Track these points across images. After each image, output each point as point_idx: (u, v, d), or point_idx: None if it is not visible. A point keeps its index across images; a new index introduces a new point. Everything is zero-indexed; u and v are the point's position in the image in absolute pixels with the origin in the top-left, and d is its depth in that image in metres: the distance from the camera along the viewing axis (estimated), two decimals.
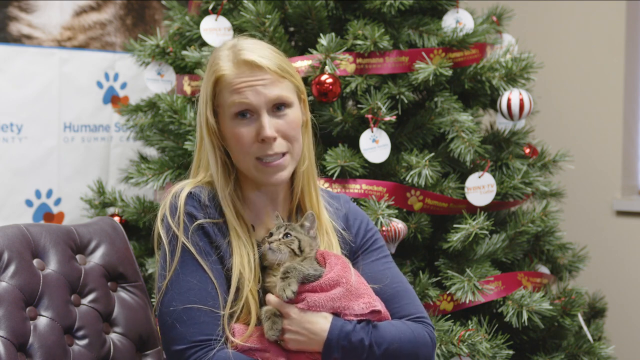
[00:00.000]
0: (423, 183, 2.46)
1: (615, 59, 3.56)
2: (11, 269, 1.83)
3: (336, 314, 1.72)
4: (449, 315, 2.47)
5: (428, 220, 2.54)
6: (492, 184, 2.56)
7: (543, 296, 2.51)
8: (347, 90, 2.52)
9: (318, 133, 1.94)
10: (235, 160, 1.81)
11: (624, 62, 3.55)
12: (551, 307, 2.49)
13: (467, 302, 2.44)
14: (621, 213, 3.58)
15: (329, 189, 2.37)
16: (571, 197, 3.21)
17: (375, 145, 2.48)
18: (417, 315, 1.82)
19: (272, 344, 1.72)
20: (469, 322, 2.47)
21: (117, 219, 2.79)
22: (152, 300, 2.11)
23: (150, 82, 2.81)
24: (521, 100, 2.60)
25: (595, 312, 3.03)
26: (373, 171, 2.55)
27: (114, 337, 1.97)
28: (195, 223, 1.76)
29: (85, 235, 2.01)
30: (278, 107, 1.77)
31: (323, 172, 2.42)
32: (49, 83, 3.19)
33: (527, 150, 2.79)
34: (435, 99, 2.61)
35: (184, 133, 2.68)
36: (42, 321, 1.83)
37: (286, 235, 1.76)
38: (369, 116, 2.49)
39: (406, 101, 2.55)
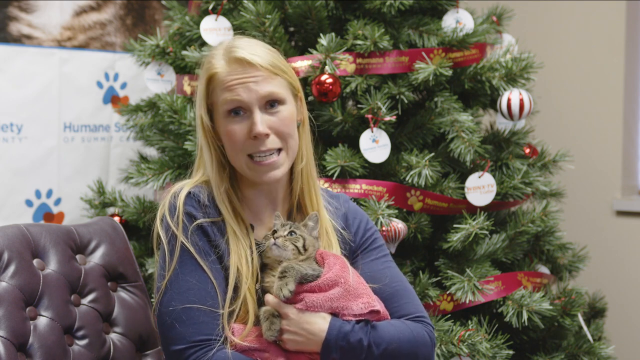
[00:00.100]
0: (423, 183, 2.46)
1: (615, 59, 3.56)
2: (11, 269, 1.83)
3: (335, 314, 1.72)
4: (449, 315, 2.47)
5: (428, 220, 2.54)
6: (492, 184, 2.56)
7: (543, 296, 2.51)
8: (347, 90, 2.52)
9: (316, 132, 1.94)
10: (230, 158, 1.81)
11: (624, 62, 3.55)
12: (551, 307, 2.49)
13: (467, 302, 2.44)
14: (621, 213, 3.58)
15: (329, 189, 2.37)
16: (571, 197, 3.21)
17: (375, 145, 2.48)
18: (416, 314, 1.82)
19: (272, 344, 1.72)
20: (469, 322, 2.47)
21: (117, 219, 2.79)
22: (152, 300, 2.12)
23: (150, 82, 2.81)
24: (521, 100, 2.60)
25: (595, 312, 3.03)
26: (373, 171, 2.55)
27: (114, 337, 1.97)
28: (195, 223, 1.76)
29: (85, 235, 2.01)
30: (271, 104, 1.77)
31: (323, 172, 2.42)
32: (49, 83, 3.19)
33: (527, 150, 2.79)
34: (435, 99, 2.61)
35: (184, 133, 2.68)
36: (42, 321, 1.83)
37: (291, 233, 1.76)
38: (369, 116, 2.49)
39: (406, 101, 2.55)
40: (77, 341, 1.89)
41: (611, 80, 3.57)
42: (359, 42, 2.52)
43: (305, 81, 2.50)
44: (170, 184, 2.68)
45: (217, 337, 1.70)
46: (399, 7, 2.58)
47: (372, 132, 2.48)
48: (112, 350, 1.95)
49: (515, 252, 2.67)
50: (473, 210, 2.56)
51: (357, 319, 1.72)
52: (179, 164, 2.72)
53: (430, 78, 2.51)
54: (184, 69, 2.80)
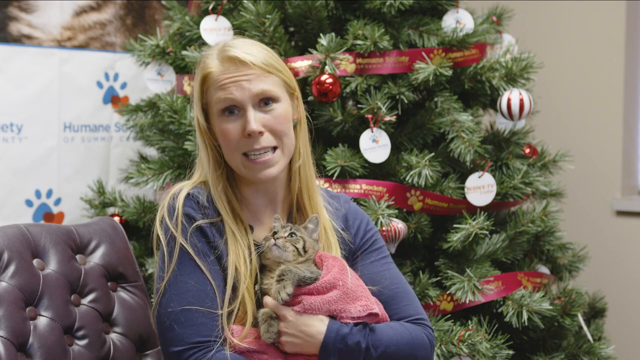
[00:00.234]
0: (423, 183, 2.46)
1: (615, 59, 3.56)
2: (11, 269, 1.83)
3: (333, 316, 1.72)
4: (449, 315, 2.47)
5: (428, 220, 2.54)
6: (492, 184, 2.56)
7: (543, 296, 2.51)
8: (347, 90, 2.52)
9: (313, 131, 1.93)
10: (226, 157, 1.82)
11: (624, 62, 3.55)
12: (551, 307, 2.49)
13: (467, 302, 2.44)
14: (621, 213, 3.58)
15: (329, 189, 2.37)
16: (571, 197, 3.21)
17: (375, 145, 2.48)
18: (416, 317, 1.82)
19: (270, 345, 1.72)
20: (469, 322, 2.47)
21: (117, 219, 2.79)
22: (152, 300, 2.12)
23: (150, 82, 2.81)
24: (521, 100, 2.60)
25: (595, 312, 3.03)
26: (373, 171, 2.55)
27: (114, 337, 1.97)
28: (194, 224, 1.76)
29: (85, 235, 2.01)
30: (265, 102, 1.78)
31: (323, 172, 2.42)
32: (49, 83, 3.19)
33: (527, 150, 2.79)
34: (435, 99, 2.61)
35: (184, 133, 2.68)
36: (42, 321, 1.83)
37: (292, 234, 1.76)
38: (369, 116, 2.49)
39: (406, 101, 2.55)
40: (77, 341, 1.89)
41: (611, 80, 3.57)
42: (359, 42, 2.52)
43: (305, 81, 2.50)
44: (170, 184, 2.68)
45: (215, 338, 1.70)
46: (399, 7, 2.58)
47: (372, 132, 2.48)
48: (112, 350, 1.95)
49: (515, 252, 2.67)
50: (473, 210, 2.56)
51: (355, 321, 1.72)
52: (179, 164, 2.72)
53: (430, 78, 2.51)
54: (184, 69, 2.80)
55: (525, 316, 2.45)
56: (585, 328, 2.69)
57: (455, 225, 2.50)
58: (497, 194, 2.60)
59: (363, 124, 2.53)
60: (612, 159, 3.59)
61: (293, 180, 1.87)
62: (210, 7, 2.70)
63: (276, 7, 2.58)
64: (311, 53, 2.53)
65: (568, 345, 2.67)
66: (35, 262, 1.89)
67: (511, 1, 3.12)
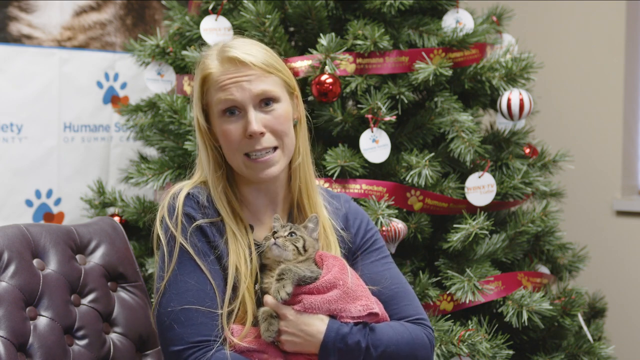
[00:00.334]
0: (423, 183, 2.46)
1: (615, 59, 3.56)
2: (11, 269, 1.83)
3: (333, 316, 1.72)
4: (449, 315, 2.47)
5: (428, 220, 2.54)
6: (492, 184, 2.56)
7: (543, 296, 2.51)
8: (347, 90, 2.52)
9: (313, 130, 1.94)
10: (227, 158, 1.82)
11: (624, 62, 3.55)
12: (551, 307, 2.49)
13: (467, 302, 2.44)
14: (621, 213, 3.58)
15: (330, 189, 2.37)
16: (571, 197, 3.21)
17: (375, 145, 2.48)
18: (416, 316, 1.82)
19: (270, 345, 1.72)
20: (469, 322, 2.47)
21: (117, 219, 2.79)
22: (152, 300, 2.12)
23: (150, 82, 2.81)
24: (521, 100, 2.60)
25: (595, 312, 3.03)
26: (373, 171, 2.55)
27: (114, 337, 1.97)
28: (194, 224, 1.76)
29: (85, 235, 2.01)
30: (265, 102, 1.77)
31: (323, 172, 2.42)
32: (49, 83, 3.19)
33: (527, 150, 2.79)
34: (435, 99, 2.61)
35: (184, 133, 2.68)
36: (42, 321, 1.83)
37: (292, 234, 1.76)
38: (369, 116, 2.49)
39: (406, 101, 2.55)
40: (77, 341, 1.89)
41: (611, 80, 3.57)
42: (359, 42, 2.52)
43: (305, 81, 2.50)
44: (170, 184, 2.68)
45: (215, 337, 1.70)
46: (399, 7, 2.58)
47: (372, 132, 2.48)
48: (112, 350, 1.95)
49: (515, 252, 2.67)
50: (473, 210, 2.56)
51: (355, 321, 1.72)
52: (179, 164, 2.72)
53: (430, 78, 2.51)
54: (184, 69, 2.80)
55: (525, 316, 2.45)
56: (585, 328, 2.69)
57: (455, 225, 2.50)
58: (497, 194, 2.60)
59: (363, 124, 2.53)
60: (612, 159, 3.59)
61: (293, 179, 1.87)
62: (210, 7, 2.70)
63: (276, 7, 2.58)
64: (311, 53, 2.53)
65: (568, 345, 2.67)
66: (35, 262, 1.88)
67: (511, 1, 3.12)
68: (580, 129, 3.64)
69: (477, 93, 2.75)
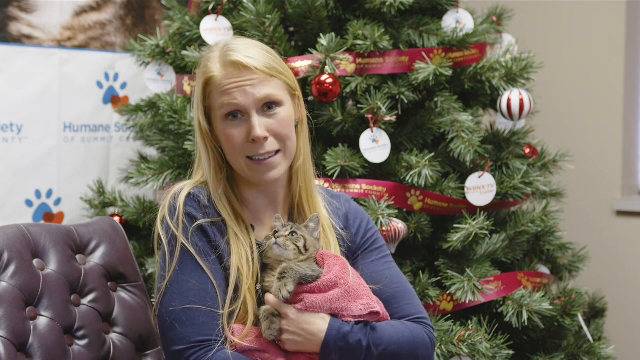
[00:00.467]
0: (423, 183, 2.46)
1: (615, 59, 3.56)
2: (11, 269, 1.83)
3: (334, 315, 1.72)
4: (449, 315, 2.47)
5: (428, 220, 2.54)
6: (492, 184, 2.56)
7: (543, 296, 2.51)
8: (347, 90, 2.52)
9: (314, 130, 1.94)
10: (229, 160, 1.81)
11: (624, 62, 3.55)
12: (551, 307, 2.49)
13: (467, 302, 2.44)
14: (621, 213, 3.58)
15: (330, 189, 2.37)
16: (571, 197, 3.21)
17: (375, 145, 2.48)
18: (416, 315, 1.82)
19: (271, 344, 1.72)
20: (469, 322, 2.47)
21: (117, 219, 2.79)
22: (152, 300, 2.12)
23: (150, 82, 2.81)
24: (521, 100, 2.60)
25: (595, 312, 3.03)
26: (373, 171, 2.55)
27: (114, 337, 1.97)
28: (195, 224, 1.76)
29: (85, 235, 2.01)
30: (268, 106, 1.77)
31: (323, 172, 2.42)
32: (49, 83, 3.19)
33: (527, 150, 2.79)
34: (435, 99, 2.61)
35: (184, 133, 2.68)
36: (42, 321, 1.83)
37: (293, 233, 1.76)
38: (369, 116, 2.49)
39: (406, 101, 2.55)
40: (77, 341, 1.89)
41: (611, 80, 3.57)
42: (359, 42, 2.52)
43: (305, 81, 2.50)
44: (170, 184, 2.68)
45: (217, 337, 1.70)
46: (399, 7, 2.58)
47: (372, 132, 2.48)
48: (112, 350, 1.95)
49: (515, 252, 2.67)
50: (473, 210, 2.56)
51: (356, 320, 1.72)
52: (179, 164, 2.72)
53: (430, 78, 2.51)
54: (184, 69, 2.80)
55: (525, 316, 2.45)
56: (585, 328, 2.69)
57: (455, 225, 2.50)
58: (497, 194, 2.60)
59: (363, 124, 2.53)
60: (612, 159, 3.59)
61: (294, 180, 1.87)
62: (210, 7, 2.69)
63: (276, 7, 2.58)
64: (311, 53, 2.53)
65: (568, 345, 2.67)
66: (35, 262, 1.88)
67: (511, 1, 3.12)
68: (580, 129, 3.64)
69: (477, 93, 2.75)
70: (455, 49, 2.61)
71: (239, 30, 2.59)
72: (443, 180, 2.58)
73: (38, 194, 3.18)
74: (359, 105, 2.57)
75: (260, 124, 1.76)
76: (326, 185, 2.43)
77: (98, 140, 3.35)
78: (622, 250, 3.57)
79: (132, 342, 1.99)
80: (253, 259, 1.77)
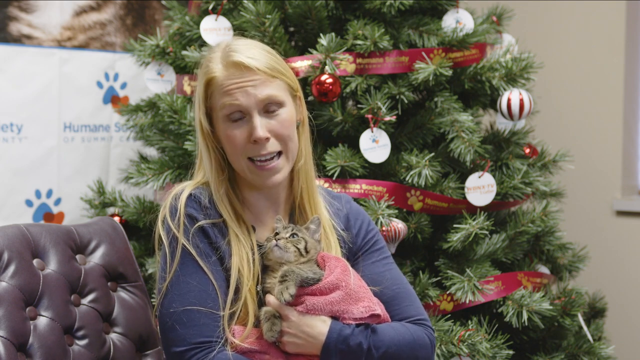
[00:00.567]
0: (423, 183, 2.46)
1: (615, 59, 3.56)
2: (11, 269, 1.83)
3: (335, 317, 1.72)
4: (449, 315, 2.47)
5: (428, 220, 2.54)
6: (492, 184, 2.56)
7: (543, 296, 2.51)
8: (347, 90, 2.52)
9: (315, 131, 1.94)
10: (231, 161, 1.81)
11: (624, 62, 3.55)
12: (551, 307, 2.49)
13: (467, 302, 2.44)
14: (621, 213, 3.58)
15: (330, 189, 2.37)
16: (571, 197, 3.21)
17: (375, 145, 2.48)
18: (417, 317, 1.82)
19: (272, 346, 1.72)
20: (469, 322, 2.47)
21: (117, 219, 2.79)
22: (152, 300, 2.12)
23: (150, 82, 2.81)
24: (521, 100, 2.60)
25: (595, 312, 3.03)
26: (373, 171, 2.55)
27: (114, 337, 1.97)
28: (196, 225, 1.76)
29: (85, 235, 2.01)
30: (270, 107, 1.77)
31: (323, 172, 2.42)
32: (49, 83, 3.19)
33: (527, 150, 2.79)
34: (435, 99, 2.61)
35: (184, 133, 2.68)
36: (42, 321, 1.83)
37: (293, 235, 1.76)
38: (369, 116, 2.49)
39: (406, 101, 2.55)
40: (77, 341, 1.89)
41: (611, 80, 3.57)
42: (359, 42, 2.52)
43: (305, 81, 2.50)
44: (170, 184, 2.68)
45: (217, 338, 1.70)
46: (399, 7, 2.58)
47: (372, 132, 2.48)
48: (112, 350, 1.95)
49: (515, 252, 2.67)
50: (473, 210, 2.56)
51: (357, 322, 1.72)
52: (179, 164, 2.72)
53: (430, 78, 2.51)
54: (184, 69, 2.80)
55: (525, 316, 2.45)
56: (585, 328, 2.69)
57: (455, 225, 2.50)
58: (497, 194, 2.60)
59: (363, 124, 2.53)
60: (612, 159, 3.59)
61: (295, 181, 1.87)
62: (210, 7, 2.69)
63: (276, 7, 2.58)
64: (311, 53, 2.53)
65: (568, 345, 2.67)
66: (35, 262, 1.88)
67: (511, 1, 3.12)
68: (580, 129, 3.64)
69: (477, 93, 2.75)
70: (455, 49, 2.61)
71: (239, 30, 2.59)
72: (443, 180, 2.58)
73: (38, 194, 3.18)
74: (359, 105, 2.57)
75: (261, 125, 1.76)
76: (326, 185, 2.43)
77: (98, 140, 3.35)
78: (622, 250, 3.57)
79: (132, 342, 1.99)
80: (254, 260, 1.77)
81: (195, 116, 1.84)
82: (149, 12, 3.50)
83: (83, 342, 1.89)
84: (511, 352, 2.45)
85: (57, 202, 3.23)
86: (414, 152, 2.54)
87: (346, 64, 2.52)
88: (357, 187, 2.48)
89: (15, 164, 3.11)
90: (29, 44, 3.15)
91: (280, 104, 1.78)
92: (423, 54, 2.56)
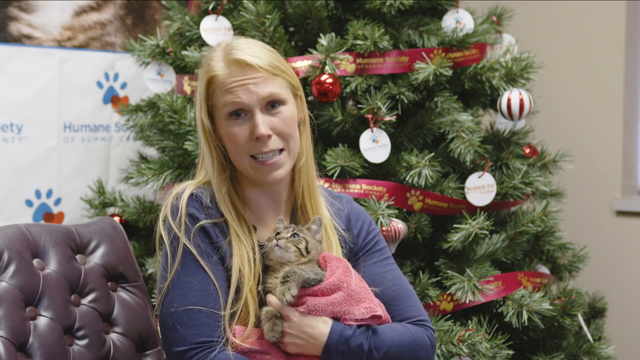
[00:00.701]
0: (423, 183, 2.46)
1: (615, 59, 3.56)
2: (11, 269, 1.83)
3: (336, 318, 1.72)
4: (449, 315, 2.47)
5: (428, 220, 2.54)
6: (492, 184, 2.56)
7: (543, 296, 2.51)
8: (347, 90, 2.52)
9: (316, 130, 1.94)
10: (233, 160, 1.81)
11: (624, 62, 3.55)
12: (551, 307, 2.49)
13: (467, 302, 2.44)
14: (621, 213, 3.58)
15: (331, 189, 2.37)
16: (571, 197, 3.21)
17: (375, 145, 2.48)
18: (418, 318, 1.82)
19: (273, 346, 1.72)
20: (469, 322, 2.47)
21: (117, 219, 2.79)
22: (152, 300, 2.12)
23: (150, 82, 2.81)
24: (521, 100, 2.60)
25: (595, 312, 3.03)
26: (373, 171, 2.55)
27: (114, 337, 1.97)
28: (197, 225, 1.76)
29: (85, 235, 2.01)
30: (272, 104, 1.77)
31: (323, 172, 2.42)
32: (49, 83, 3.19)
33: (527, 150, 2.79)
34: (435, 99, 2.61)
35: (184, 133, 2.68)
36: (42, 321, 1.83)
37: (294, 235, 1.76)
38: (369, 116, 2.49)
39: (406, 101, 2.55)
40: (77, 341, 1.89)
41: (611, 80, 3.57)
42: (359, 42, 2.52)
43: (305, 81, 2.50)
44: (170, 184, 2.68)
45: (218, 338, 1.70)
46: (399, 7, 2.58)
47: (372, 132, 2.48)
48: (112, 350, 1.94)
49: (515, 252, 2.67)
50: (473, 210, 2.56)
51: (358, 323, 1.72)
52: (179, 164, 2.72)
53: (430, 78, 2.51)
54: (184, 69, 2.80)
55: (525, 316, 2.45)
56: (585, 328, 2.69)
57: (455, 225, 2.50)
58: (497, 194, 2.60)
59: (363, 124, 2.53)
60: (612, 159, 3.59)
61: (296, 180, 1.87)
62: (210, 7, 2.70)
63: (276, 7, 2.58)
64: (311, 53, 2.53)
65: (568, 345, 2.67)
66: (35, 262, 1.88)
67: (511, 1, 3.12)
68: (580, 129, 3.64)
69: (477, 93, 2.75)
70: (455, 49, 2.61)
71: (239, 30, 2.59)
72: (443, 180, 2.58)
73: (38, 194, 3.18)
74: (359, 105, 2.57)
75: (264, 122, 1.76)
76: (326, 185, 2.43)
77: (98, 140, 3.35)
78: (622, 250, 3.57)
79: (132, 342, 1.99)
80: (255, 260, 1.77)
81: (196, 115, 1.84)
82: (149, 12, 3.50)
83: (83, 342, 1.89)
84: (511, 352, 2.45)
85: (57, 202, 3.23)
86: (414, 152, 2.54)
87: (346, 64, 2.52)
88: (357, 187, 2.48)
89: (15, 164, 3.11)
90: (29, 44, 3.15)
91: (282, 102, 1.78)
92: (423, 54, 2.56)
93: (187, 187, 1.81)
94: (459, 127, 2.55)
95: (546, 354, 2.64)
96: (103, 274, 1.99)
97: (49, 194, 3.21)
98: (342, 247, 1.86)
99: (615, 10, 3.55)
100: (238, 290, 1.74)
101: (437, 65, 2.52)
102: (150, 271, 2.66)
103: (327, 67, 2.46)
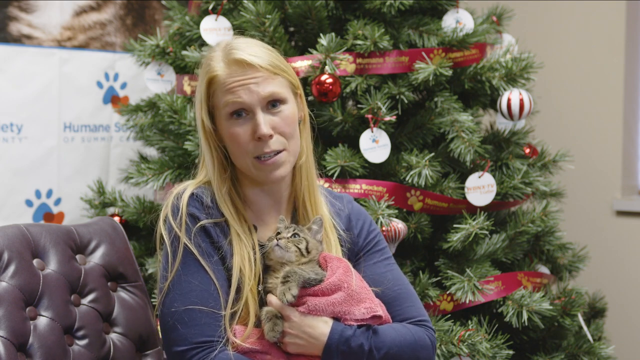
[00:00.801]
0: (423, 183, 2.46)
1: (615, 59, 3.56)
2: (11, 269, 1.83)
3: (337, 318, 1.72)
4: (449, 315, 2.47)
5: (428, 220, 2.54)
6: (492, 184, 2.56)
7: (543, 296, 2.51)
8: (347, 90, 2.52)
9: (316, 128, 1.94)
10: (234, 160, 1.81)
11: (624, 62, 3.55)
12: (551, 307, 2.49)
13: (467, 302, 2.44)
14: (621, 213, 3.58)
15: (331, 189, 2.37)
16: (571, 197, 3.21)
17: (375, 145, 2.48)
18: (418, 318, 1.82)
19: (273, 346, 1.72)
20: (469, 322, 2.47)
21: (117, 219, 2.79)
22: (152, 300, 2.12)
23: (150, 82, 2.81)
24: (521, 100, 2.60)
25: (595, 312, 3.03)
26: (373, 171, 2.55)
27: (114, 337, 1.97)
28: (198, 224, 1.76)
29: (85, 235, 2.01)
30: (273, 104, 1.77)
31: (323, 172, 2.42)
32: (49, 83, 3.19)
33: (527, 150, 2.79)
34: (435, 99, 2.61)
35: (184, 133, 2.68)
36: (42, 321, 1.83)
37: (295, 235, 1.76)
38: (369, 116, 2.49)
39: (406, 101, 2.55)
40: (77, 341, 1.89)
41: (611, 80, 3.57)
42: (359, 42, 2.52)
43: (305, 81, 2.50)
44: (170, 184, 2.68)
45: (218, 338, 1.70)
46: (399, 7, 2.58)
47: (372, 132, 2.48)
48: (112, 350, 1.95)
49: (515, 252, 2.67)
50: (473, 210, 2.56)
51: (359, 323, 1.72)
52: (179, 164, 2.72)
53: (430, 78, 2.51)
54: (184, 69, 2.80)
55: (525, 316, 2.45)
56: (585, 328, 2.69)
57: (455, 225, 2.50)
58: (497, 194, 2.60)
59: (363, 124, 2.53)
60: (612, 159, 3.59)
61: (297, 179, 1.87)
62: (210, 7, 2.70)
63: (276, 7, 2.58)
64: (311, 53, 2.53)
65: (568, 345, 2.67)
66: (35, 262, 1.88)
67: (511, 1, 3.12)
68: (580, 129, 3.64)
69: (477, 93, 2.75)
70: (455, 49, 2.61)
71: (239, 30, 2.59)
72: (443, 180, 2.58)
73: (38, 194, 3.18)
74: (359, 105, 2.57)
75: (265, 122, 1.76)
76: (326, 185, 2.43)
77: (98, 140, 3.35)
78: (622, 250, 3.57)
79: (132, 342, 1.99)
80: (255, 260, 1.77)
81: (196, 116, 1.83)
82: (149, 12, 3.50)
83: (83, 342, 1.89)
84: (511, 352, 2.45)
85: (57, 202, 3.23)
86: (414, 152, 2.54)
87: (346, 64, 2.52)
88: (357, 187, 2.48)
89: (15, 164, 3.11)
90: (29, 44, 3.15)
91: (282, 101, 1.78)
92: (423, 54, 2.56)
93: (187, 187, 1.81)
94: (459, 127, 2.55)
95: (546, 354, 2.64)
96: (103, 274, 1.99)
97: (49, 194, 3.21)
98: (341, 245, 1.86)
99: (615, 10, 3.55)
100: (238, 290, 1.74)
101: (437, 65, 2.52)
102: (150, 271, 2.66)
103: (327, 67, 2.46)
